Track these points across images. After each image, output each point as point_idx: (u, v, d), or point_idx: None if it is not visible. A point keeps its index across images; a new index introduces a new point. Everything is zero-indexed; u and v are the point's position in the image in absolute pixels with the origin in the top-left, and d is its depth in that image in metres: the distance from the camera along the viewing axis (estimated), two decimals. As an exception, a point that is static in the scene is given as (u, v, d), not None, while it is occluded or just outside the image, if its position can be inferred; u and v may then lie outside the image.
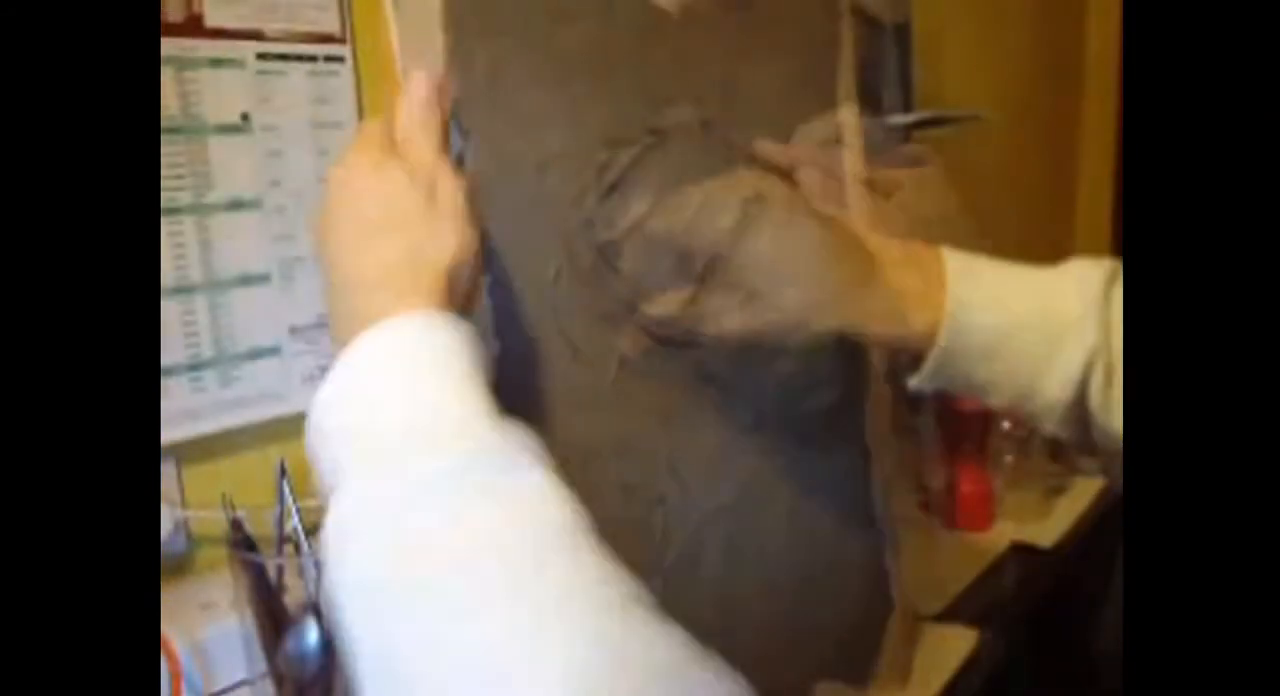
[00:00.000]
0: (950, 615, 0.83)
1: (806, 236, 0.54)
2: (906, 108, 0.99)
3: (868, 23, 0.80)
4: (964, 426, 1.04)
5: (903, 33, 0.99)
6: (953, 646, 0.77)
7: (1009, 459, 1.06)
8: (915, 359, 0.56)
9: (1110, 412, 0.53)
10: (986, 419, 1.04)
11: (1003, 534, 1.02)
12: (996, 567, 0.95)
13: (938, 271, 0.55)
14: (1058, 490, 1.10)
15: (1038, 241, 2.02)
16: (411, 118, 0.47)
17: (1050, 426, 0.56)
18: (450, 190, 0.46)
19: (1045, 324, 0.54)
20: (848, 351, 0.59)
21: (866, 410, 0.70)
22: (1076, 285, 0.54)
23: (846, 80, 0.67)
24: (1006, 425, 1.05)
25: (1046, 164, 2.02)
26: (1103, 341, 0.53)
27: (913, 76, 1.01)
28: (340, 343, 0.43)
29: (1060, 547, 0.98)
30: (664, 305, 0.55)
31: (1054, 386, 0.54)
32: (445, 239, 0.45)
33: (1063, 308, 0.54)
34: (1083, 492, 1.11)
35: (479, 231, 0.47)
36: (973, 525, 1.03)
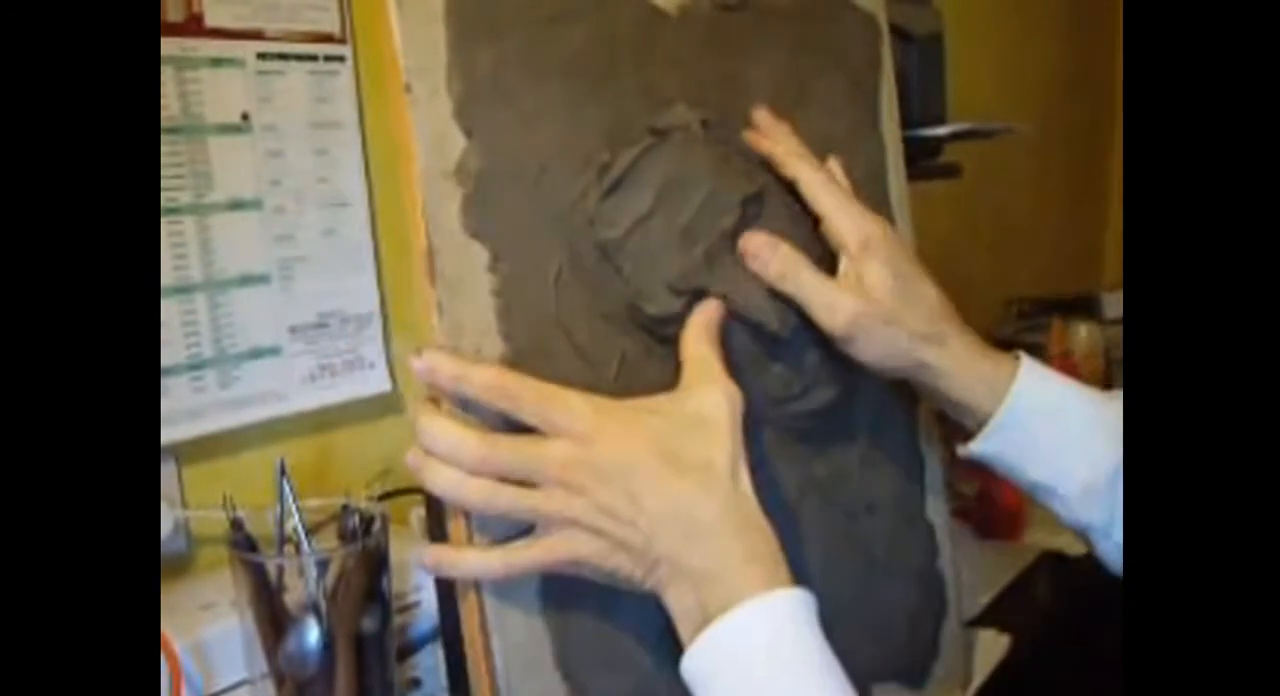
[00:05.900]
0: (982, 621, 0.85)
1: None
2: (939, 120, 0.98)
3: (899, 34, 0.80)
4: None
5: (935, 44, 0.98)
6: (985, 652, 0.78)
7: (1041, 468, 1.06)
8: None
9: None
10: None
11: (1034, 542, 1.03)
12: (1028, 575, 0.97)
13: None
14: (1089, 499, 1.11)
15: (1071, 251, 2.02)
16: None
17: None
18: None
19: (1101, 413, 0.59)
20: (842, 352, 0.59)
21: (919, 417, 0.71)
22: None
23: (889, 98, 0.67)
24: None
25: (1078, 174, 2.03)
26: None
27: (945, 88, 1.00)
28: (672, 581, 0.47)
29: (1090, 556, 0.99)
30: (664, 304, 0.55)
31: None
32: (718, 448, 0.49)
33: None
34: (1115, 501, 1.11)
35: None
36: (1004, 534, 1.04)
